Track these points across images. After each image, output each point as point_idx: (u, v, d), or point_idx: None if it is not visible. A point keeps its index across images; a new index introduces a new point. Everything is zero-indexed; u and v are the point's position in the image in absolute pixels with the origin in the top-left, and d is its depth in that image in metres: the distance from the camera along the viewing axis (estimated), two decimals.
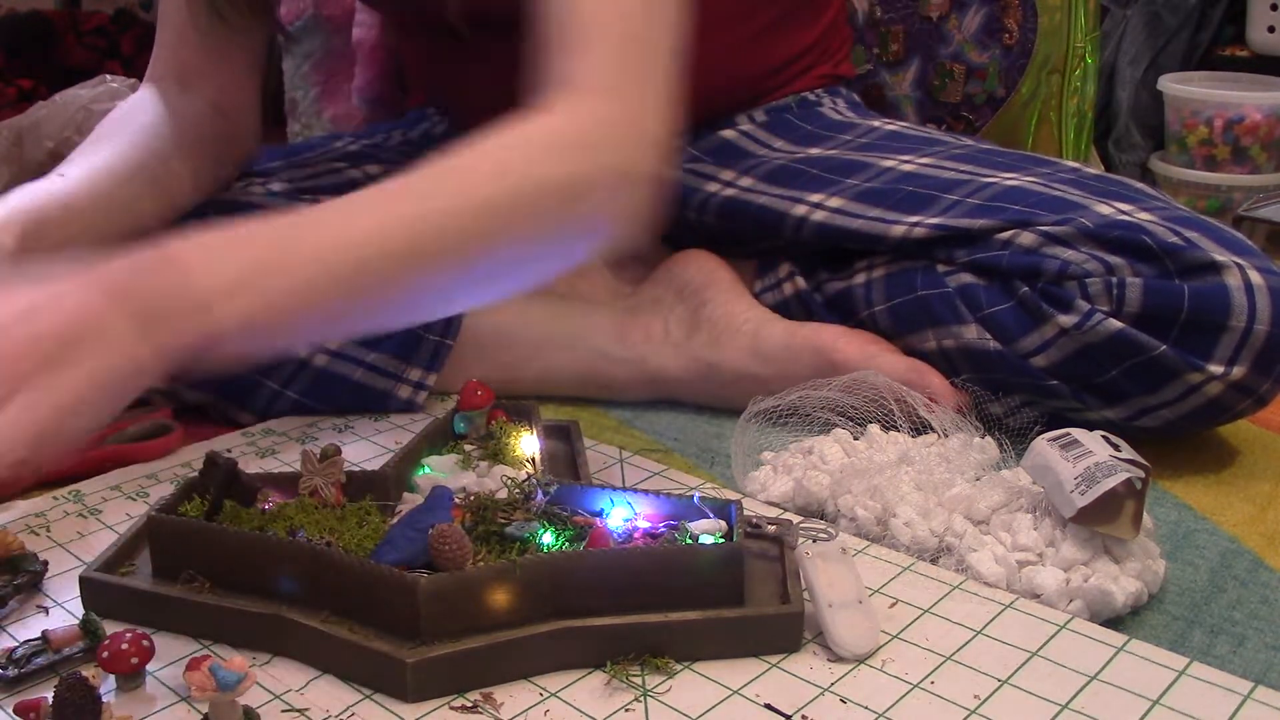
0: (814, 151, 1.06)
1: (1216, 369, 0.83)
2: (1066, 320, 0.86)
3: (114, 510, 0.81)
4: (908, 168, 1.00)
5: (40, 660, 0.62)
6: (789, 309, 1.03)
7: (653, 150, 0.71)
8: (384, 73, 1.41)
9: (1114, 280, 0.85)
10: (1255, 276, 0.83)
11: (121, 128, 0.95)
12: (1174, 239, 0.84)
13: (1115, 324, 0.84)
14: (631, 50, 0.71)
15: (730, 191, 1.06)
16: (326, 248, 0.63)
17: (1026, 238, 0.89)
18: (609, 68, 0.70)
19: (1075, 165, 0.98)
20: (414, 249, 0.65)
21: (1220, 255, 0.83)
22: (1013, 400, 0.91)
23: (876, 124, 1.10)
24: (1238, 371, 0.83)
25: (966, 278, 0.92)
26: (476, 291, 0.72)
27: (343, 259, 0.63)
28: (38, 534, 0.77)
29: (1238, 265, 0.83)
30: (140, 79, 1.42)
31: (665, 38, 0.72)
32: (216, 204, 1.00)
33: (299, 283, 0.62)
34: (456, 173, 0.67)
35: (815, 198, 1.00)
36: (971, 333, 0.91)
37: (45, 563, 0.71)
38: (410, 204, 0.66)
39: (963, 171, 0.97)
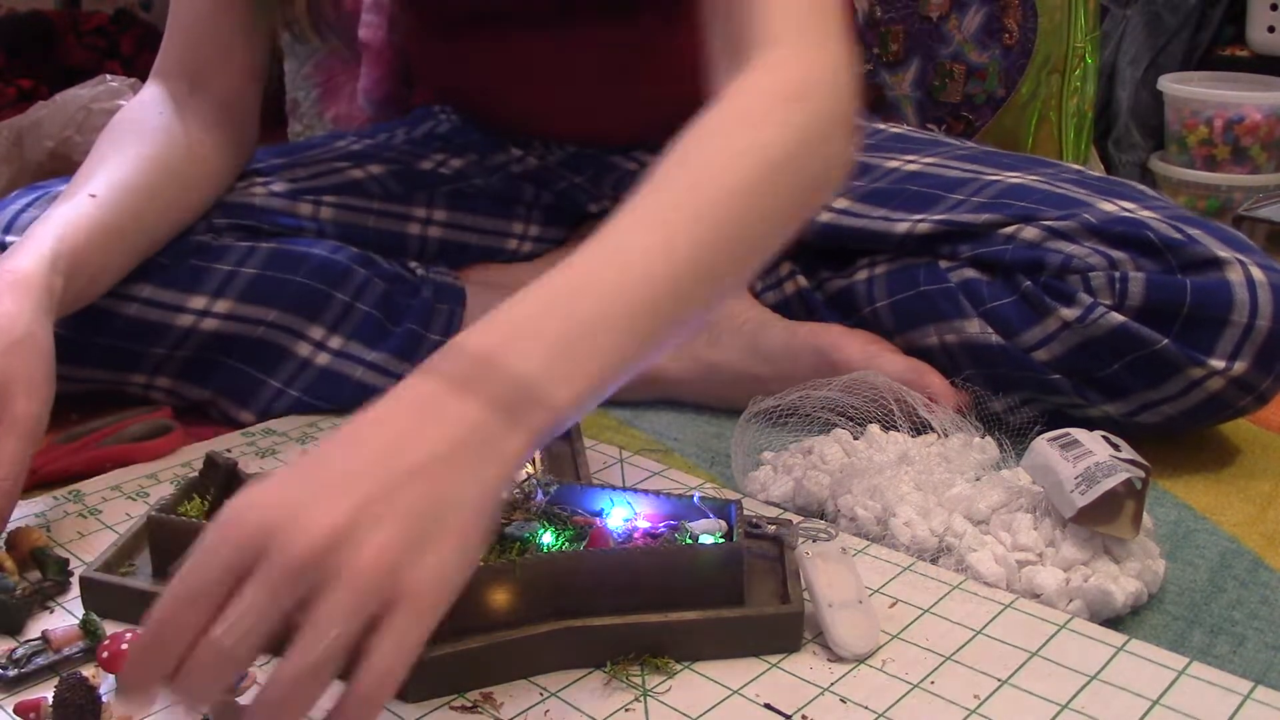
0: None
1: (1218, 364, 0.83)
2: (1069, 314, 0.86)
3: (114, 510, 0.81)
4: (912, 167, 1.00)
5: (40, 660, 0.62)
6: (790, 308, 1.03)
7: (852, 96, 0.71)
8: (391, 73, 1.41)
9: (1117, 274, 0.85)
10: (1257, 272, 0.83)
11: (136, 134, 0.94)
12: (1176, 234, 0.85)
13: (1117, 318, 0.84)
14: (814, 3, 0.72)
15: None
16: (621, 300, 0.58)
17: (1030, 232, 0.89)
18: (800, 22, 0.71)
19: (1078, 168, 0.99)
20: (699, 258, 0.61)
21: (1222, 251, 0.84)
22: (1013, 398, 0.91)
23: (880, 126, 1.10)
24: (1239, 367, 0.83)
25: (969, 273, 0.92)
26: (746, 272, 0.67)
27: (640, 301, 0.58)
28: None
29: (1240, 261, 0.83)
30: (140, 79, 1.40)
31: None
32: (219, 205, 1.00)
33: (610, 346, 0.56)
34: (704, 160, 0.64)
35: None
36: (974, 327, 0.91)
37: (71, 572, 0.71)
38: (679, 211, 0.62)
39: (967, 170, 0.98)
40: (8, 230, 0.93)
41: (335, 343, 0.96)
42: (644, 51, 1.04)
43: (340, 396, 0.96)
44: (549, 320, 0.55)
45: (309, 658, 0.45)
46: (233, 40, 0.99)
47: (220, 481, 0.70)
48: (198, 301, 0.94)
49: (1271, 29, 1.64)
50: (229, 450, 0.87)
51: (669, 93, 1.06)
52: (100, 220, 0.85)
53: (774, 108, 0.67)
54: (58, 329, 0.83)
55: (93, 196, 0.86)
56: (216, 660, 0.46)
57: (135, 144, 0.93)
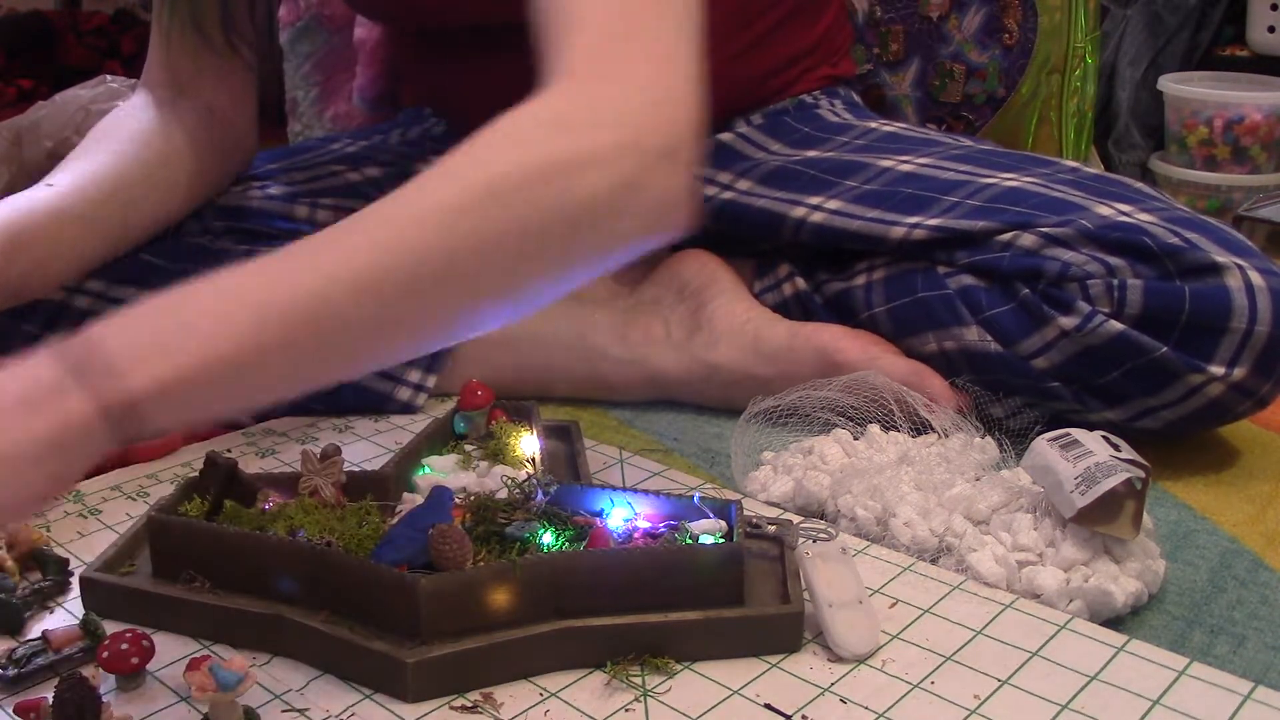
0: (812, 154, 1.06)
1: (1218, 370, 0.83)
2: (1067, 322, 0.86)
3: (114, 510, 0.81)
4: (906, 168, 1.00)
5: (40, 660, 0.62)
6: (788, 309, 1.03)
7: (666, 125, 0.63)
8: (386, 72, 1.41)
9: (1115, 282, 0.84)
10: (1256, 278, 0.83)
11: (113, 134, 0.95)
12: (1174, 240, 0.84)
13: (1116, 326, 0.84)
14: (624, 31, 0.65)
15: (728, 194, 1.06)
16: (258, 302, 0.56)
17: (1027, 239, 0.89)
18: (597, 51, 0.64)
19: (1074, 165, 0.98)
20: (374, 279, 0.57)
21: (1221, 256, 0.83)
22: (1013, 402, 0.91)
23: (874, 125, 1.10)
24: (1239, 373, 0.83)
25: (967, 280, 0.92)
26: (474, 313, 0.63)
27: (283, 309, 0.56)
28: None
29: (1238, 266, 0.83)
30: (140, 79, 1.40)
31: (666, 16, 0.66)
32: (215, 208, 1.00)
33: (225, 343, 0.55)
34: (420, 188, 0.60)
35: (814, 200, 1.00)
36: (972, 335, 0.91)
37: (71, 572, 0.71)
38: (370, 233, 0.59)
39: (962, 172, 0.97)
40: None
41: None
42: None
43: (339, 399, 0.96)
44: (158, 313, 0.56)
45: None
46: (210, 50, 0.99)
47: (220, 481, 0.70)
48: None
49: (1271, 29, 1.64)
50: (229, 450, 0.87)
51: None
52: (53, 206, 0.84)
53: (527, 133, 0.62)
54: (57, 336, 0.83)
55: (49, 185, 0.86)
56: None
57: (107, 144, 0.93)
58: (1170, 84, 1.59)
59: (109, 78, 1.57)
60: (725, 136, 1.11)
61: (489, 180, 0.59)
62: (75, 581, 0.69)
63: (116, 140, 0.93)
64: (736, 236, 1.06)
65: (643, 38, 0.65)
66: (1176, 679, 0.62)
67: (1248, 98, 1.54)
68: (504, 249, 0.60)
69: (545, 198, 0.60)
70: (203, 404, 0.56)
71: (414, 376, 0.98)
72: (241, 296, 0.56)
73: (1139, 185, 0.94)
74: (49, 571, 0.70)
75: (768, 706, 0.60)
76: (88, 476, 0.85)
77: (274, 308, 0.56)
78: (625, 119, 0.63)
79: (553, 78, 0.64)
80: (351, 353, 0.59)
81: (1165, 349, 0.83)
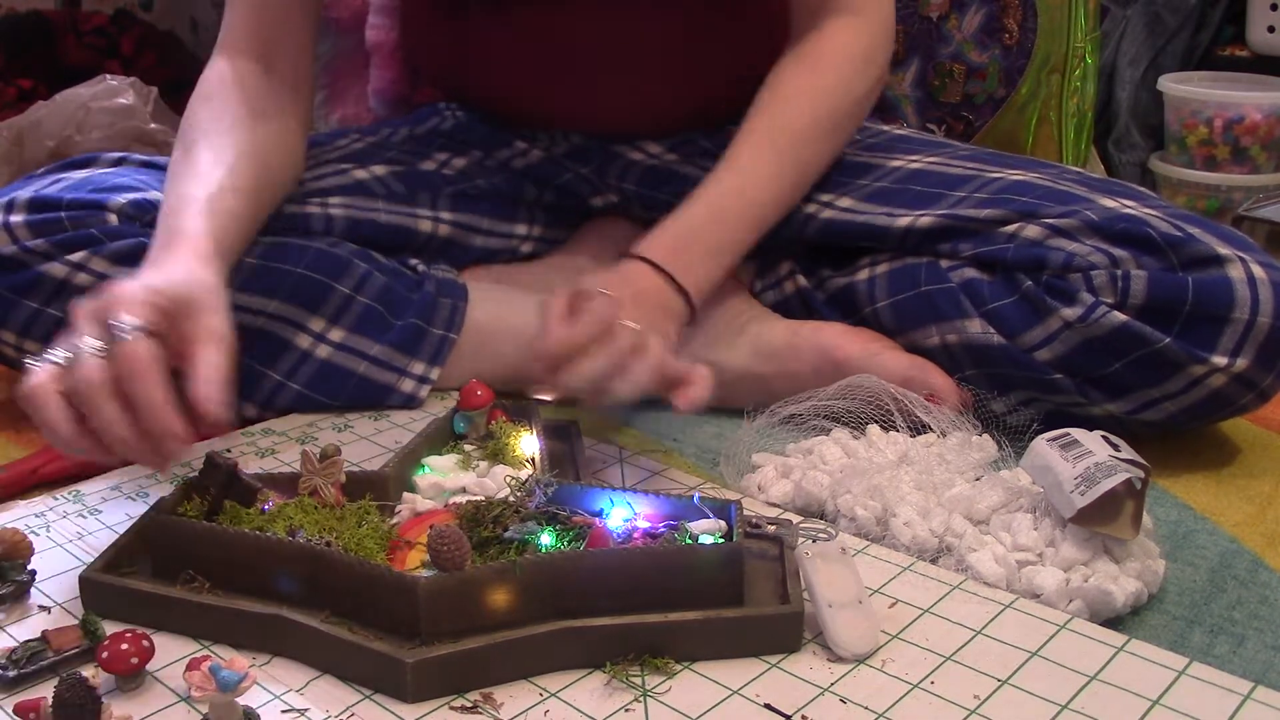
0: None
1: (1220, 361, 0.83)
2: (1071, 313, 0.86)
3: (114, 510, 0.81)
4: (915, 166, 1.00)
5: (40, 660, 0.62)
6: (790, 306, 1.03)
7: (890, 58, 1.02)
8: (402, 75, 1.40)
9: (1118, 273, 0.85)
10: (1258, 270, 0.83)
11: (238, 116, 0.94)
12: (1177, 232, 0.85)
13: (1120, 316, 0.84)
14: None
15: None
16: (748, 216, 0.93)
17: (1032, 230, 0.89)
18: None
19: (1079, 170, 0.99)
20: (797, 178, 0.96)
21: (1223, 249, 0.84)
22: (1014, 398, 0.91)
23: (884, 128, 1.10)
24: (1241, 363, 0.83)
25: (970, 272, 0.92)
26: (809, 188, 0.99)
27: (753, 220, 0.93)
28: (38, 534, 0.77)
29: (1240, 259, 0.83)
30: (141, 79, 1.41)
31: None
32: None
33: (740, 245, 0.93)
34: (800, 96, 0.96)
35: (825, 197, 1.00)
36: (975, 327, 0.91)
37: (33, 572, 0.71)
38: (784, 136, 0.94)
39: (970, 168, 0.98)
40: (9, 210, 0.94)
41: (336, 335, 0.96)
42: (653, 43, 1.04)
43: (342, 391, 0.96)
44: (695, 236, 0.91)
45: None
46: (303, 17, 1.00)
47: (220, 481, 0.70)
48: None
49: (1271, 29, 1.64)
50: (229, 450, 0.87)
51: (676, 81, 1.06)
52: (246, 214, 0.89)
53: (850, 65, 0.97)
54: (57, 312, 0.83)
55: (234, 191, 0.88)
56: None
57: (241, 129, 0.93)
58: (1170, 84, 1.59)
59: (109, 77, 1.57)
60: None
61: (831, 110, 0.97)
62: (49, 576, 0.70)
63: (243, 126, 0.93)
64: None
65: None
66: (1176, 679, 0.62)
67: (1248, 98, 1.54)
68: (834, 145, 1.00)
69: (862, 110, 1.01)
70: (728, 276, 0.95)
71: (418, 369, 0.98)
72: (732, 221, 0.93)
73: (1140, 189, 0.95)
74: (11, 578, 0.70)
75: (768, 706, 0.60)
76: (88, 476, 0.85)
77: (754, 220, 0.94)
78: (886, 56, 1.01)
79: (837, 12, 0.98)
80: (797, 196, 0.99)
81: (1168, 340, 0.83)
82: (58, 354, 0.69)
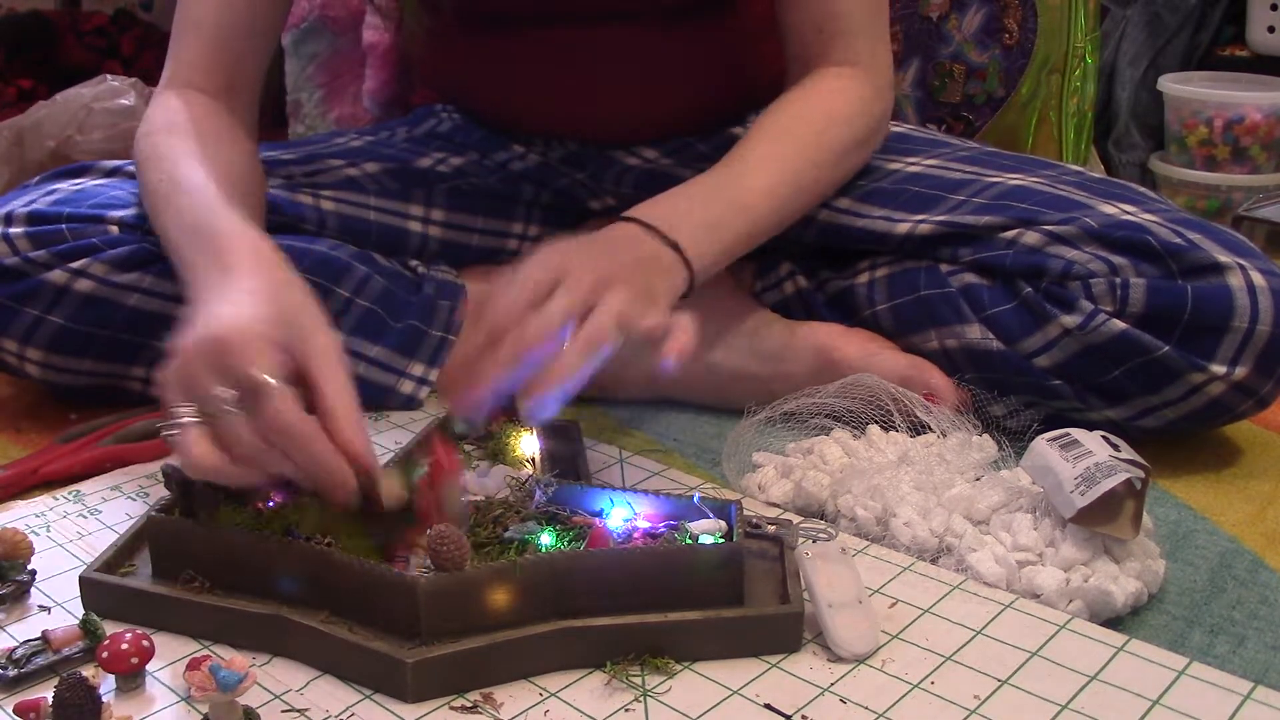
0: None
1: (1219, 369, 0.83)
2: (1070, 321, 0.86)
3: (114, 510, 0.81)
4: (914, 169, 1.00)
5: (40, 660, 0.62)
6: (789, 308, 1.03)
7: (892, 93, 1.02)
8: (397, 76, 1.41)
9: (1118, 281, 0.85)
10: (1258, 278, 0.83)
11: (221, 142, 0.92)
12: (1177, 240, 0.85)
13: (1119, 325, 0.84)
14: (878, 34, 0.99)
15: None
16: (744, 204, 0.89)
17: (1031, 237, 0.89)
18: (869, 50, 0.98)
19: (1079, 169, 0.99)
20: (795, 192, 0.93)
21: (1223, 256, 0.84)
22: (1013, 401, 0.91)
23: None
24: (1240, 372, 0.83)
25: (970, 278, 0.92)
26: (807, 210, 0.98)
27: (760, 208, 0.90)
28: (38, 534, 0.77)
29: (1240, 266, 0.83)
30: (141, 79, 1.40)
31: (884, 15, 1.01)
32: None
33: (736, 233, 0.88)
34: (803, 126, 0.95)
35: None
36: (974, 333, 0.91)
37: (33, 572, 0.71)
38: (785, 161, 0.93)
39: (968, 172, 0.98)
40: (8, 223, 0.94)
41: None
42: (651, 52, 1.04)
43: None
44: (704, 207, 0.87)
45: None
46: (266, 48, 0.99)
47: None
48: None
49: (1271, 29, 1.64)
50: None
51: (672, 88, 1.06)
52: (256, 221, 0.86)
53: (849, 107, 0.97)
54: (59, 319, 0.82)
55: (240, 196, 0.85)
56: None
57: (220, 156, 0.90)
58: (1170, 84, 1.59)
59: (109, 77, 1.57)
60: (739, 131, 1.11)
61: (834, 146, 0.96)
62: (49, 576, 0.69)
63: (223, 156, 0.90)
64: None
65: (883, 40, 1.00)
66: (1176, 679, 0.62)
67: (1247, 98, 1.54)
68: (835, 178, 0.98)
69: (860, 155, 1.00)
70: (726, 261, 0.88)
71: (417, 370, 0.98)
72: (731, 199, 0.89)
73: (1141, 189, 0.94)
74: (11, 578, 0.69)
75: (768, 706, 0.60)
76: (88, 477, 0.85)
77: (754, 195, 0.90)
78: (885, 103, 1.00)
79: (840, 63, 0.97)
80: (793, 215, 0.95)
81: (1167, 348, 0.83)
82: (188, 411, 0.65)
